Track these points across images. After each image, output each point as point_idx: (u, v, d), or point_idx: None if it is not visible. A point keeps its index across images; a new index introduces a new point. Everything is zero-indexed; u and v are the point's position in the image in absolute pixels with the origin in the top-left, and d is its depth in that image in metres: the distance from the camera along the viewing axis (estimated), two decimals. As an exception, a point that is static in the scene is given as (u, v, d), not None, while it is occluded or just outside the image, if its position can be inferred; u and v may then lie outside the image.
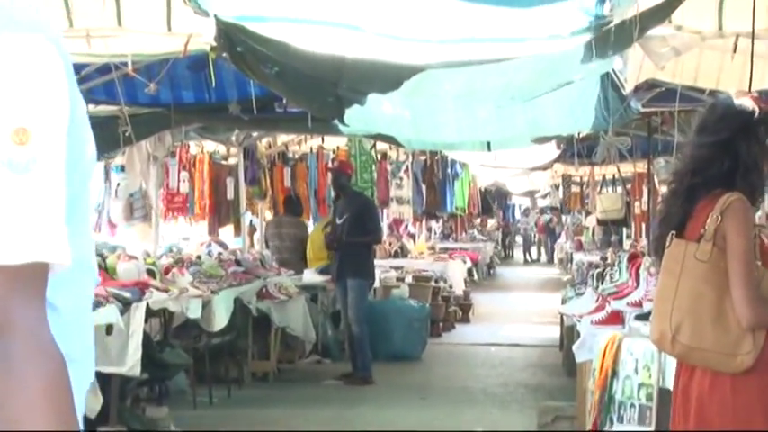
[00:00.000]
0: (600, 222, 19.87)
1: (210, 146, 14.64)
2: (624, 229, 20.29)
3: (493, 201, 35.83)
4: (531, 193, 36.52)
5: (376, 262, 13.43)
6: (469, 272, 23.51)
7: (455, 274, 19.40)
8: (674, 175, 4.35)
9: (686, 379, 4.08)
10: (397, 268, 16.83)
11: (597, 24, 6.35)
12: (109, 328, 7.97)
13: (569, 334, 10.22)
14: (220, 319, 10.16)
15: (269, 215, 15.72)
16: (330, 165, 15.01)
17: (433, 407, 10.25)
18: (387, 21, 6.79)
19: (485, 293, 23.04)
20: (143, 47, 7.64)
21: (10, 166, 1.47)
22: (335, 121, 8.47)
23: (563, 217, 34.43)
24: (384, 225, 18.17)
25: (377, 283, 13.86)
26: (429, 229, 27.70)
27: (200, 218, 14.47)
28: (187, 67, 9.36)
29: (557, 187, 27.05)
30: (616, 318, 7.02)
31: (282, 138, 15.45)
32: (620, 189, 19.48)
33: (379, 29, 6.82)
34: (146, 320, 8.70)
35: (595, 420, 5.94)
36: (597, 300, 7.93)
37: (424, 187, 18.86)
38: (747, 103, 4.15)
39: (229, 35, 6.69)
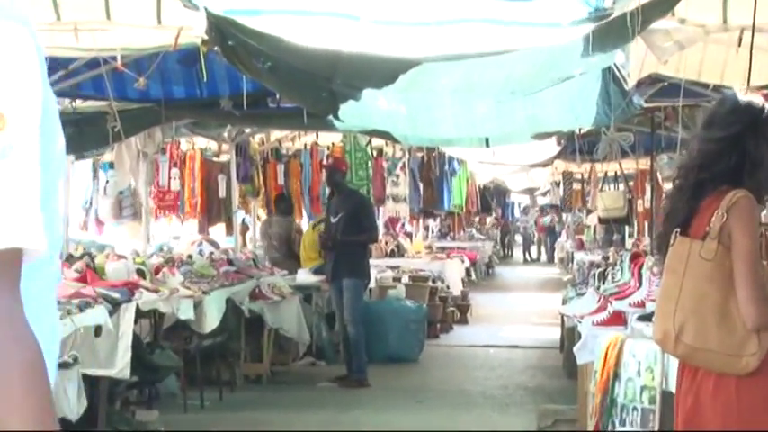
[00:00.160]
0: (601, 221, 19.85)
1: (202, 142, 14.64)
2: (626, 228, 20.30)
3: (492, 198, 35.84)
4: (530, 191, 36.53)
5: (372, 261, 13.45)
6: (468, 271, 23.53)
7: (453, 273, 19.40)
8: (679, 169, 4.34)
9: (689, 381, 4.08)
10: (393, 268, 16.84)
11: (597, 16, 6.36)
12: (97, 330, 7.97)
13: (570, 335, 10.23)
14: (212, 321, 10.16)
15: (262, 213, 15.73)
16: (325, 161, 15.01)
17: (431, 410, 10.25)
18: (382, 7, 6.79)
19: (483, 294, 23.05)
20: (132, 40, 7.65)
21: None
22: (330, 117, 8.46)
23: (563, 215, 34.43)
24: (380, 223, 18.17)
25: (372, 283, 13.86)
26: (426, 228, 27.72)
27: (191, 216, 14.46)
28: (177, 61, 9.35)
29: (557, 184, 27.05)
30: (618, 319, 7.03)
31: (276, 134, 15.45)
32: (622, 186, 19.47)
33: (375, 16, 6.82)
34: (135, 322, 8.70)
35: (597, 424, 5.94)
36: (599, 300, 7.94)
37: (420, 185, 18.85)
38: (757, 100, 4.15)
39: (221, 28, 6.68)
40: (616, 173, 19.60)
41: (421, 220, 25.06)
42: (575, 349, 7.35)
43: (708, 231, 4.00)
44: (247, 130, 14.15)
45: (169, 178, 13.51)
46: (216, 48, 6.94)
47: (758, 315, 3.89)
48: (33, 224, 1.51)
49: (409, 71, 7.17)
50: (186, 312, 9.66)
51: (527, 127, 9.61)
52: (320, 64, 7.38)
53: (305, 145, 15.88)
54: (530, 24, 6.97)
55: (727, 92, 4.47)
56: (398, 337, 13.30)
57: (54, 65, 8.32)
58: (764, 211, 6.91)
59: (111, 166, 13.08)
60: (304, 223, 16.09)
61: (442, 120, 9.09)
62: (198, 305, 9.90)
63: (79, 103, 10.51)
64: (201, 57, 7.54)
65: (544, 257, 40.30)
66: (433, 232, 29.35)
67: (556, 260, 35.77)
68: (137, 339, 8.75)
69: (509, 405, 10.52)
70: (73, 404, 6.56)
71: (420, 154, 18.66)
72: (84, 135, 10.25)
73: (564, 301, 10.99)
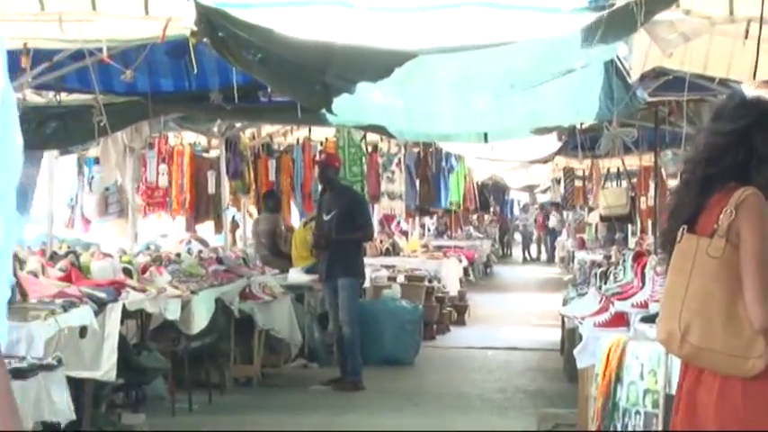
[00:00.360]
0: (603, 219, 19.83)
1: (191, 137, 14.63)
2: (629, 226, 20.31)
3: (490, 196, 35.85)
4: (530, 188, 36.52)
5: (366, 260, 13.45)
6: (465, 271, 23.53)
7: (450, 273, 19.41)
8: (686, 163, 4.35)
9: (692, 383, 4.08)
10: (388, 267, 16.84)
11: (598, 6, 6.37)
12: (83, 331, 7.97)
13: (571, 337, 10.24)
14: (200, 321, 10.17)
15: (253, 210, 15.74)
16: (317, 157, 15.00)
17: (427, 414, 10.26)
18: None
19: (481, 294, 23.06)
20: (119, 31, 7.63)
21: None
22: (323, 111, 8.46)
23: (564, 213, 34.43)
24: (374, 221, 18.17)
25: (367, 283, 13.87)
26: (422, 226, 27.72)
27: (179, 213, 14.45)
28: (166, 53, 9.34)
29: (557, 181, 27.07)
30: (620, 320, 7.04)
31: (267, 128, 15.44)
32: (624, 183, 19.46)
33: (370, 3, 6.82)
34: (122, 322, 8.70)
35: (598, 428, 5.95)
36: (600, 301, 7.95)
37: (417, 181, 18.85)
38: (766, 95, 4.16)
39: (210, 19, 6.69)
40: (618, 169, 19.59)
41: (417, 218, 25.06)
42: (575, 351, 7.36)
43: (716, 229, 4.00)
44: (238, 125, 14.15)
45: (157, 174, 13.50)
46: (205, 39, 6.93)
47: (766, 316, 3.89)
48: None
49: (405, 64, 7.18)
50: (174, 313, 9.67)
51: (527, 122, 9.62)
52: (313, 56, 7.38)
53: (297, 140, 15.88)
54: (528, 9, 6.98)
55: (737, 86, 4.48)
56: (394, 339, 13.31)
57: (38, 57, 8.31)
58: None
59: (97, 161, 13.07)
60: (295, 221, 16.10)
61: (440, 114, 9.10)
62: (186, 305, 9.91)
63: (64, 97, 10.50)
64: (191, 48, 7.53)
65: (544, 256, 40.33)
66: (429, 230, 29.34)
67: (556, 259, 35.80)
68: (123, 340, 8.75)
69: (508, 409, 10.53)
70: (59, 408, 6.55)
71: (416, 149, 18.66)
72: (68, 129, 10.25)
73: (564, 302, 11.00)
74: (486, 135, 10.69)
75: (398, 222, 23.78)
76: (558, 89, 8.63)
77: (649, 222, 17.53)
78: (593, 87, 8.69)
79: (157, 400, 10.09)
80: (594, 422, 6.03)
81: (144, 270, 10.04)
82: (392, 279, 15.73)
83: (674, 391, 4.84)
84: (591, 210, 24.93)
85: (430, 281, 17.02)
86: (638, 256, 8.13)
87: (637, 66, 8.33)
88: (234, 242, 15.45)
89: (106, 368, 8.12)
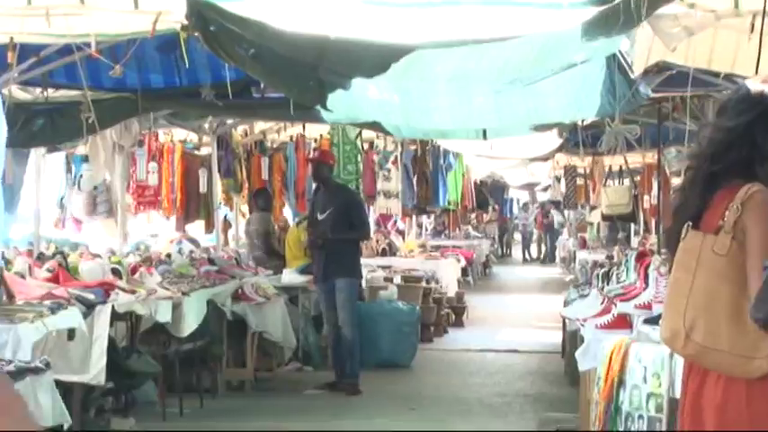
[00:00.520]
0: (605, 218, 19.84)
1: (181, 134, 14.63)
2: (632, 225, 20.33)
3: (489, 194, 35.85)
4: (530, 186, 36.57)
5: (362, 261, 13.43)
6: (463, 272, 23.55)
7: (448, 273, 19.43)
8: (691, 159, 4.36)
9: (696, 385, 4.08)
10: (384, 268, 16.84)
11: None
12: (71, 333, 7.97)
13: (572, 339, 10.24)
14: (191, 323, 10.17)
15: (246, 209, 15.73)
16: (311, 155, 14.98)
17: (424, 418, 10.26)
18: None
19: (480, 295, 23.07)
20: (108, 26, 7.62)
21: None
22: (317, 107, 8.45)
23: (565, 212, 34.44)
24: (370, 221, 18.17)
25: (363, 284, 13.85)
26: (419, 225, 27.69)
27: (169, 213, 14.43)
28: (156, 47, 9.35)
29: (558, 179, 27.08)
30: (623, 321, 7.05)
31: (260, 125, 15.44)
32: (627, 181, 19.48)
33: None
34: (111, 324, 8.70)
35: (600, 432, 5.95)
36: (602, 302, 7.96)
37: (414, 179, 18.83)
38: (770, 90, 4.17)
39: (201, 13, 6.68)
40: (621, 167, 19.59)
41: (414, 217, 25.04)
42: (577, 354, 7.37)
43: (721, 225, 4.00)
44: (230, 122, 14.15)
45: (147, 172, 13.47)
46: (196, 34, 6.93)
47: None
48: None
49: (402, 59, 7.17)
50: (164, 315, 9.66)
51: (527, 118, 9.62)
52: (307, 50, 7.37)
53: (291, 137, 15.86)
54: (528, 4, 6.97)
55: (743, 81, 4.49)
56: (390, 341, 13.31)
57: (25, 52, 8.31)
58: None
59: (85, 159, 13.06)
60: (288, 219, 16.10)
61: (437, 110, 9.09)
62: (177, 307, 9.90)
63: (51, 93, 10.49)
64: (182, 43, 7.52)
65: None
66: (426, 230, 29.32)
67: (557, 259, 35.82)
68: (112, 343, 8.74)
69: (507, 413, 10.53)
70: (47, 412, 6.55)
71: (413, 147, 18.63)
72: (56, 126, 10.24)
73: (566, 303, 11.00)
74: (485, 132, 10.69)
75: (395, 222, 23.78)
76: (558, 85, 8.63)
77: (653, 221, 17.57)
78: (594, 83, 8.69)
79: (147, 405, 10.09)
80: (596, 426, 6.03)
81: (134, 271, 10.04)
82: (388, 280, 15.72)
83: (677, 395, 4.85)
84: (593, 208, 24.92)
85: (427, 282, 17.01)
86: (641, 256, 8.14)
87: (639, 60, 8.33)
88: (226, 242, 15.44)
89: (95, 372, 8.12)
